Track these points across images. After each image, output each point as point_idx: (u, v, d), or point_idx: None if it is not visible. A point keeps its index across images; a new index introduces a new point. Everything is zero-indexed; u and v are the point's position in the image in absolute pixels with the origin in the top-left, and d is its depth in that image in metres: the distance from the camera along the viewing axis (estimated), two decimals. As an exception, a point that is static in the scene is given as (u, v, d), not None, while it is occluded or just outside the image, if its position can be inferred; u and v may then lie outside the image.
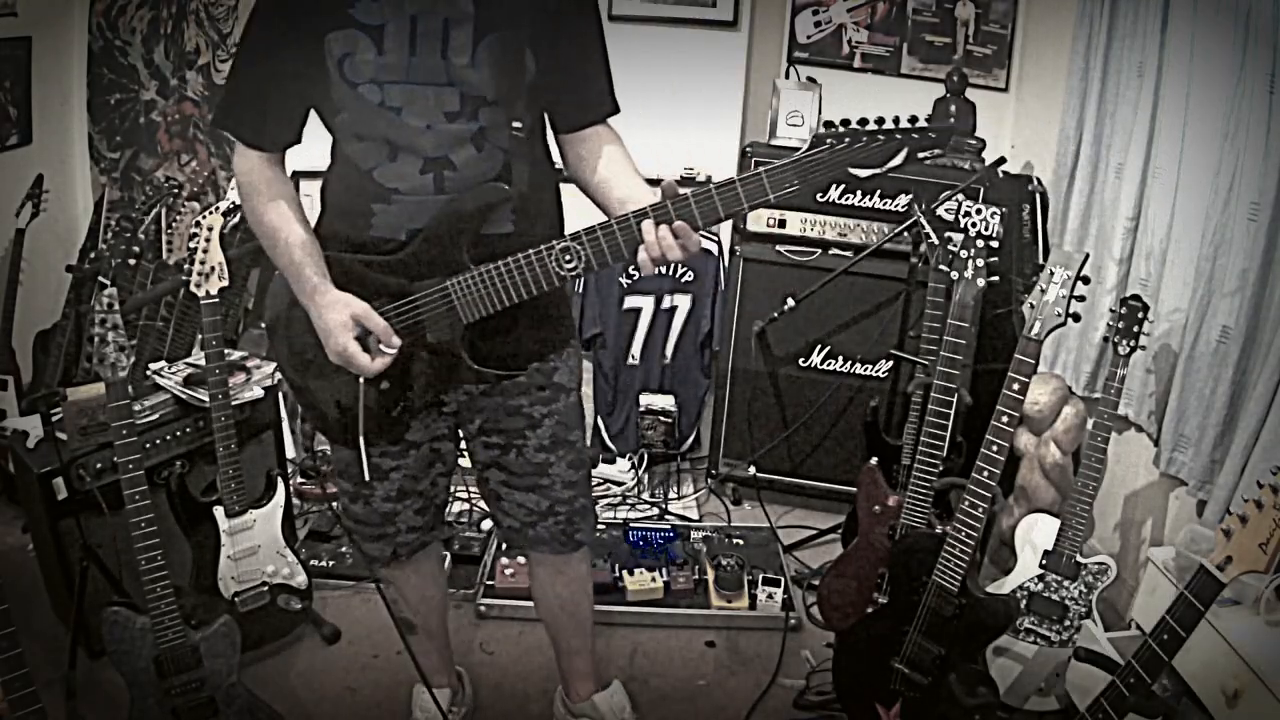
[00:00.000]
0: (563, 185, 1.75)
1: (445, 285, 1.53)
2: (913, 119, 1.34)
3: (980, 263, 2.06)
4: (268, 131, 1.59)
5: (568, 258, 1.46)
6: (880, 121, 1.34)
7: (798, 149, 1.38)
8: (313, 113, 1.61)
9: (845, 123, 1.34)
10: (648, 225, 1.40)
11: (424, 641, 2.14)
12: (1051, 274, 1.81)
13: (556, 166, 1.73)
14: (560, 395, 1.79)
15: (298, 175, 3.39)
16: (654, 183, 1.50)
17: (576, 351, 1.86)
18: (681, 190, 1.40)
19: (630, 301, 3.32)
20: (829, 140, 1.34)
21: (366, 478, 1.72)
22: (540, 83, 1.56)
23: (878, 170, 1.35)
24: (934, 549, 1.92)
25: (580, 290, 3.26)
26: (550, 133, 1.70)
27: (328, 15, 1.46)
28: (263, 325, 1.74)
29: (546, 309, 1.70)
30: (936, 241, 2.51)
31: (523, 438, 1.78)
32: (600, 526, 2.99)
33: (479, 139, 1.54)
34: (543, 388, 1.76)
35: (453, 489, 2.50)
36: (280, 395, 2.72)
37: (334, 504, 1.91)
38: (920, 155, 1.35)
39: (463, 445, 1.89)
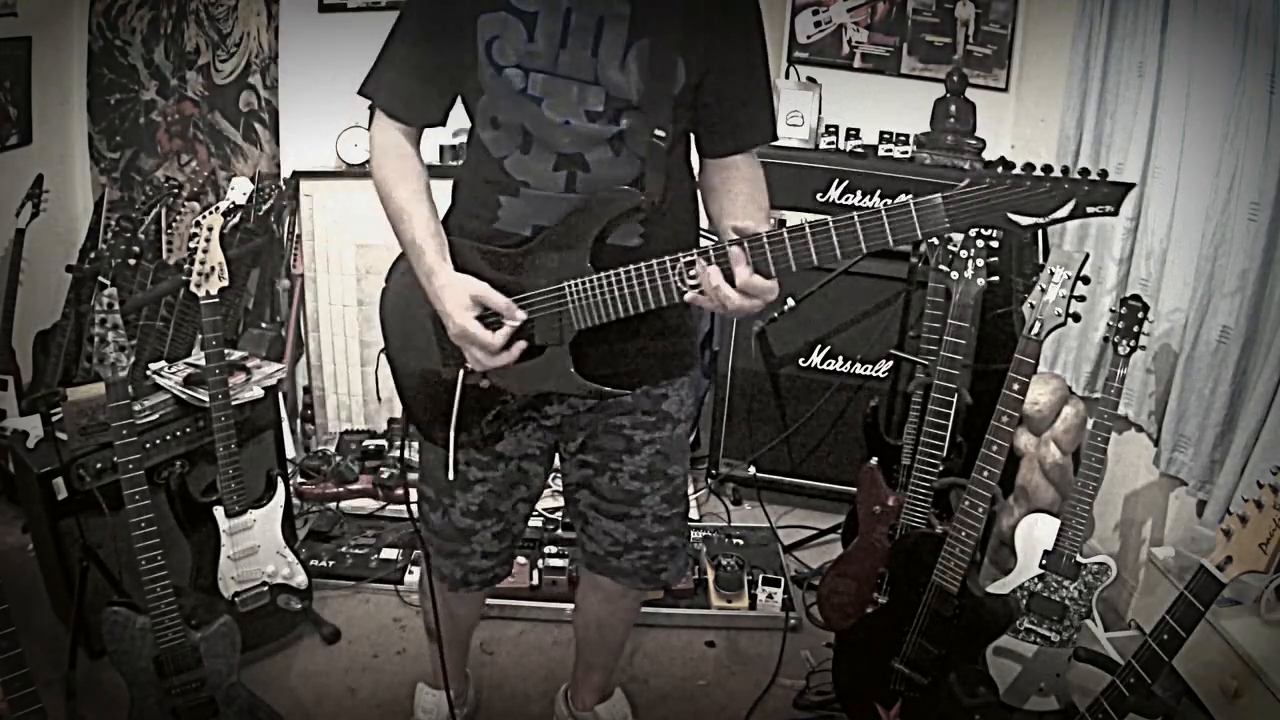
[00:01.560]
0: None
1: (561, 287, 1.47)
2: (1084, 171, 1.24)
3: (980, 263, 2.06)
4: (411, 105, 1.56)
5: (693, 273, 1.38)
6: (1048, 170, 1.24)
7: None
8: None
9: (1009, 165, 1.25)
10: (699, 267, 1.36)
11: (446, 649, 2.09)
12: (1051, 274, 1.81)
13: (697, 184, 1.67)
14: (666, 424, 1.72)
15: (298, 174, 3.40)
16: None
17: (692, 384, 1.77)
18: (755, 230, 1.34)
19: (630, 301, 3.31)
20: (988, 180, 1.24)
21: (451, 475, 1.63)
22: (689, 98, 1.51)
23: (1040, 220, 1.23)
24: (934, 549, 1.92)
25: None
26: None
27: None
28: (381, 318, 1.70)
29: (668, 332, 1.63)
30: (936, 241, 2.51)
31: (618, 461, 1.72)
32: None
33: (617, 142, 1.49)
34: (649, 413, 1.69)
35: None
36: (280, 395, 2.72)
37: (414, 516, 1.84)
38: (1089, 210, 1.22)
39: (555, 469, 1.82)
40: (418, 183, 1.56)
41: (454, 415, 1.57)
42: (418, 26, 1.51)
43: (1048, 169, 1.24)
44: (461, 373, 1.55)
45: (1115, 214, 1.23)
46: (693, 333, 1.74)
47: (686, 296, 1.39)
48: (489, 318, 1.47)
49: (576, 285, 1.46)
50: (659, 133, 1.47)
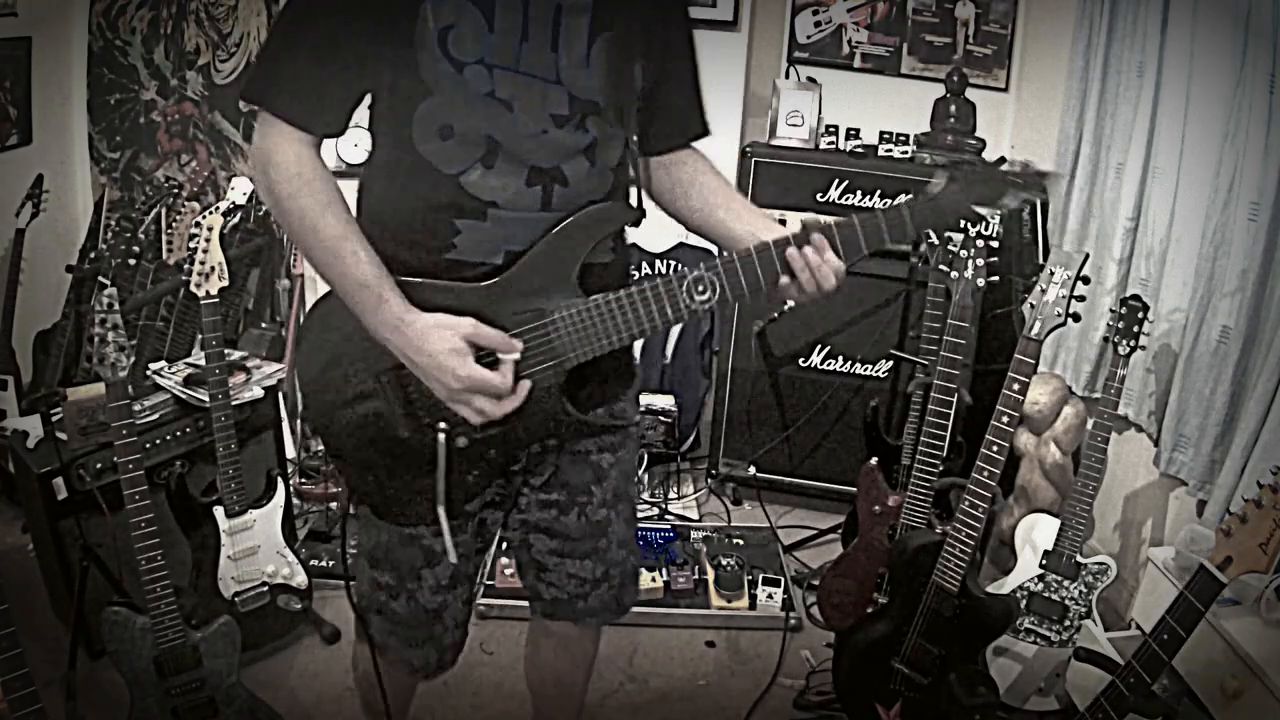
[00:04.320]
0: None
1: (549, 319, 1.28)
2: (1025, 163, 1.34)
3: (980, 263, 2.06)
4: (319, 110, 1.26)
5: (701, 288, 1.28)
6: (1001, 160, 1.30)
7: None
8: None
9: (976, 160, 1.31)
10: (793, 253, 1.27)
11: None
12: (1051, 274, 1.81)
13: None
14: (628, 440, 1.57)
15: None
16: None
17: (635, 391, 1.61)
18: (823, 219, 1.31)
19: (630, 301, 3.31)
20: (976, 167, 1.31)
21: (453, 558, 1.38)
22: (641, 102, 1.37)
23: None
24: (934, 549, 1.92)
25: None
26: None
27: None
28: (299, 391, 1.46)
29: None
30: (936, 241, 2.51)
31: (587, 494, 1.53)
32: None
33: (591, 152, 1.31)
34: (611, 430, 1.52)
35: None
36: (280, 395, 2.72)
37: (358, 606, 1.63)
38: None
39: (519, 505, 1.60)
40: (344, 209, 1.28)
41: (441, 487, 1.33)
42: (322, 18, 1.22)
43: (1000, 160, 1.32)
44: (442, 436, 1.31)
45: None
46: None
47: (781, 282, 1.30)
48: (482, 359, 1.25)
49: (567, 316, 1.29)
50: (632, 139, 1.34)
